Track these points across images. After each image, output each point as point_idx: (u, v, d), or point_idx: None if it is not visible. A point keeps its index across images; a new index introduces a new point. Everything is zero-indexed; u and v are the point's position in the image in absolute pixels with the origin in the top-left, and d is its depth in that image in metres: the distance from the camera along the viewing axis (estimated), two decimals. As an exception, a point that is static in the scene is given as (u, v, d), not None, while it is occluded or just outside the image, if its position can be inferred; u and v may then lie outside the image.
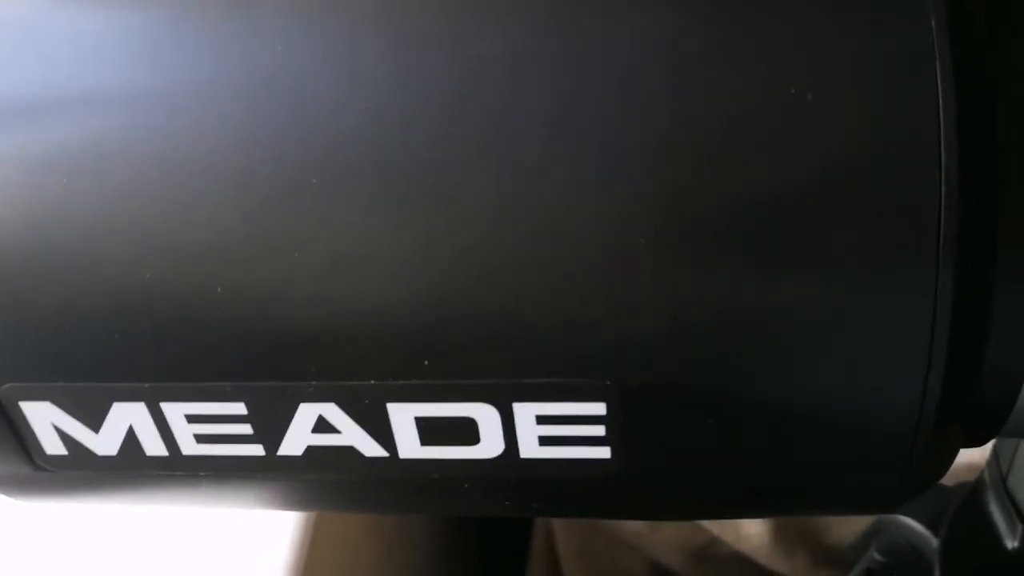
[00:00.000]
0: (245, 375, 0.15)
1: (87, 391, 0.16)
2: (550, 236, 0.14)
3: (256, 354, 0.15)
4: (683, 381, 0.15)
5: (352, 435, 0.16)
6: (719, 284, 0.14)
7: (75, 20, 0.15)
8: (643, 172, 0.14)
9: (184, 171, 0.14)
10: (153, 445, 0.16)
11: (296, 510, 0.28)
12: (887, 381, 0.14)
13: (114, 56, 0.15)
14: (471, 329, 0.14)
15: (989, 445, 0.23)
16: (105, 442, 0.17)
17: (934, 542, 0.31)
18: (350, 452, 0.16)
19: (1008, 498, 0.24)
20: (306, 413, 0.16)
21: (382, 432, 0.16)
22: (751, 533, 0.43)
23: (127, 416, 0.16)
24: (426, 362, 0.15)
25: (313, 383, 0.15)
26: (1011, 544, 0.24)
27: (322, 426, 0.16)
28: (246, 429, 0.16)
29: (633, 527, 0.46)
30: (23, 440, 0.17)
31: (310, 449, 0.16)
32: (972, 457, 0.21)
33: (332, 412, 0.15)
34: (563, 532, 0.49)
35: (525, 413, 0.15)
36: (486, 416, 0.15)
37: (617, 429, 0.15)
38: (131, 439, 0.16)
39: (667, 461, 0.16)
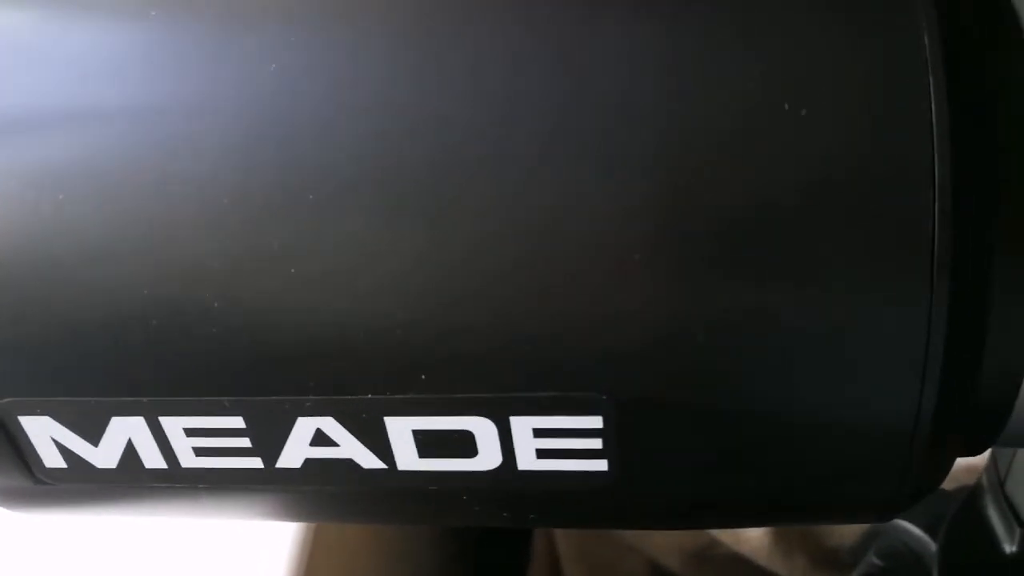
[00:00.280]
0: (243, 390, 0.15)
1: (86, 405, 0.16)
2: (545, 250, 0.14)
3: (253, 369, 0.15)
4: (678, 393, 0.15)
5: (350, 448, 0.16)
6: (713, 296, 0.14)
7: (70, 36, 0.15)
8: (637, 185, 0.14)
9: (181, 186, 0.14)
10: (152, 458, 0.16)
11: (295, 521, 0.28)
12: (883, 390, 0.14)
13: (110, 72, 0.15)
14: (468, 343, 0.14)
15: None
16: (104, 456, 0.17)
17: (932, 546, 0.31)
18: (348, 465, 0.16)
19: (1006, 502, 0.24)
20: (304, 427, 0.16)
21: (380, 445, 0.16)
22: (751, 535, 0.43)
23: (126, 430, 0.16)
24: (423, 376, 0.15)
25: (310, 397, 0.15)
26: (1009, 548, 0.24)
27: (320, 439, 0.16)
28: (244, 442, 0.16)
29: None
30: (23, 454, 0.17)
31: (308, 462, 0.16)
32: (971, 459, 0.21)
33: (330, 426, 0.16)
34: (563, 535, 0.49)
35: (522, 426, 0.15)
36: (483, 429, 0.15)
37: (614, 441, 0.15)
38: (130, 452, 0.16)
39: (664, 473, 0.16)
